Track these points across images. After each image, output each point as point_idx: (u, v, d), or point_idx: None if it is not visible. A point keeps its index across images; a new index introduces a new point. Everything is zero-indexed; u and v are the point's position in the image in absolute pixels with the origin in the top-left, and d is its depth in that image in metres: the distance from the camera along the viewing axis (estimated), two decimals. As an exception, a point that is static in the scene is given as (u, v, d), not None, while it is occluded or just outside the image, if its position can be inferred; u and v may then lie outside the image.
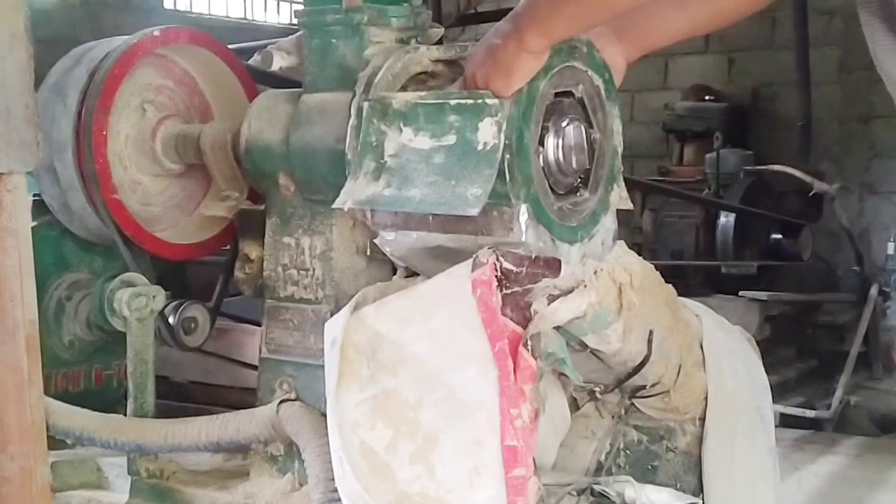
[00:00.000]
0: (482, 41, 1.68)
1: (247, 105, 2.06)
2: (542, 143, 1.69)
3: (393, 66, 1.80)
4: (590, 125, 1.76)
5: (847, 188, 7.07)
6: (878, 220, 7.52)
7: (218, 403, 3.14)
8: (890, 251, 6.60)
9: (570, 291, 1.63)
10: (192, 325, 2.29)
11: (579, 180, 1.77)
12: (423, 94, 1.74)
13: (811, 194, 6.54)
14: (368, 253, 1.88)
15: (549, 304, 1.60)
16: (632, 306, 1.72)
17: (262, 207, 2.02)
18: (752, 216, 6.66)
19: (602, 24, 1.74)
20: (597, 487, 1.88)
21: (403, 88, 1.80)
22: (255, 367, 2.07)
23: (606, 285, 1.69)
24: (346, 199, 1.71)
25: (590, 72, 1.76)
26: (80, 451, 2.39)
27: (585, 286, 1.65)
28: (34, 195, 2.22)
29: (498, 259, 1.56)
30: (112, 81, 2.14)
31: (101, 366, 2.74)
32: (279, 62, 2.02)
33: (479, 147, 1.62)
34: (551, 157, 1.70)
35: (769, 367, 2.15)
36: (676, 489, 1.94)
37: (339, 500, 1.62)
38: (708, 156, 7.03)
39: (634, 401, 1.97)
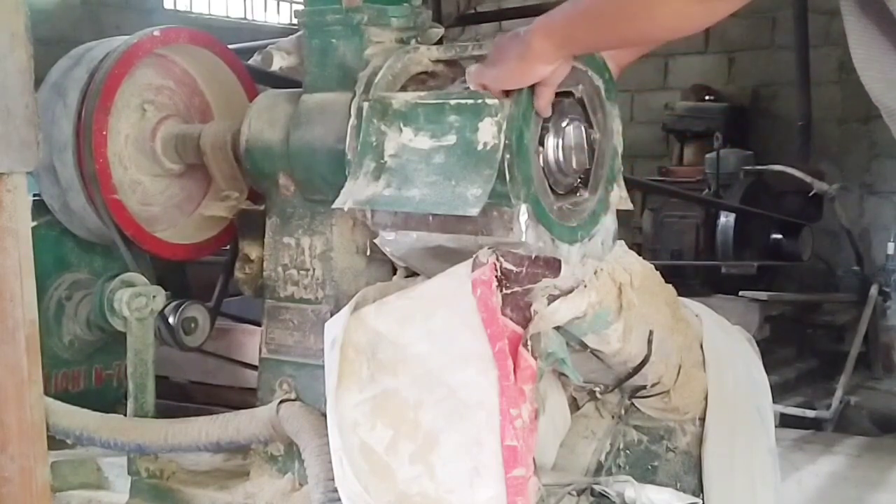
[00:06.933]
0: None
1: (247, 105, 2.07)
2: (542, 143, 1.69)
3: (393, 66, 1.80)
4: (590, 125, 1.75)
5: (847, 188, 7.07)
6: (878, 220, 7.52)
7: (218, 403, 3.14)
8: (890, 251, 6.59)
9: (570, 291, 1.63)
10: (192, 325, 2.29)
11: (579, 180, 1.77)
12: (423, 94, 1.74)
13: (811, 194, 6.54)
14: (368, 253, 1.88)
15: (549, 304, 1.60)
16: (632, 306, 1.72)
17: (262, 207, 2.03)
18: (752, 216, 6.66)
19: (616, 48, 1.71)
20: (597, 487, 1.88)
21: (403, 88, 1.80)
22: (255, 367, 2.07)
23: (606, 285, 1.69)
24: (346, 199, 1.71)
25: (590, 72, 1.76)
26: (80, 451, 2.39)
27: (585, 286, 1.65)
28: (34, 195, 2.21)
29: (498, 259, 1.56)
30: (112, 81, 2.14)
31: (101, 366, 2.73)
32: (279, 62, 2.02)
33: (479, 147, 1.62)
34: (551, 157, 1.70)
35: (769, 367, 2.15)
36: (676, 489, 1.94)
37: (339, 500, 1.62)
38: (708, 156, 7.02)
39: (634, 401, 1.97)
